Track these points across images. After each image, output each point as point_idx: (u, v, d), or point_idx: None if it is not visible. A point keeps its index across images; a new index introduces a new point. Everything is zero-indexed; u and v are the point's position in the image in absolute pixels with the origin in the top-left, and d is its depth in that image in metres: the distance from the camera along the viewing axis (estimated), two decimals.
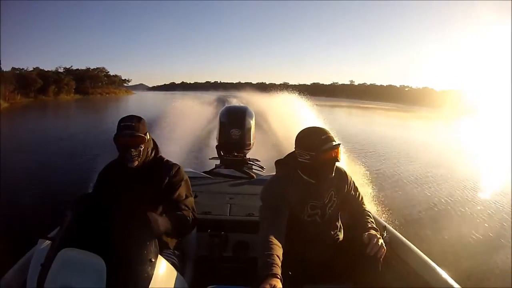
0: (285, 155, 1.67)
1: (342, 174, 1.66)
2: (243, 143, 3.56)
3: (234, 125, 3.56)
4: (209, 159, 3.96)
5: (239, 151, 3.58)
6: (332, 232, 1.64)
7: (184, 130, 7.68)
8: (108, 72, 54.60)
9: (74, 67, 49.58)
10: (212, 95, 26.39)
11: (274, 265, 1.21)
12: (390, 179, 6.46)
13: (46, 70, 43.95)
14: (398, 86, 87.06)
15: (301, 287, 1.54)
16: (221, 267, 2.00)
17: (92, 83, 49.58)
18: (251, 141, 3.64)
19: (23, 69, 40.81)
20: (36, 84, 39.10)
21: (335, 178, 1.59)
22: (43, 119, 20.44)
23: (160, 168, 1.66)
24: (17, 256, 1.47)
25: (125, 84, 62.53)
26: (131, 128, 1.56)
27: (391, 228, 1.88)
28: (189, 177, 1.78)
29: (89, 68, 51.69)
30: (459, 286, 1.37)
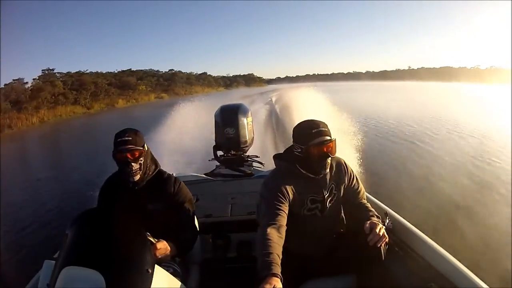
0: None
1: (342, 166, 1.63)
2: (238, 141, 3.57)
3: (227, 124, 3.57)
4: (209, 160, 3.90)
5: (237, 149, 3.62)
6: (333, 226, 1.63)
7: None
8: (255, 75, 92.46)
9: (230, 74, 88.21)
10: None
11: (273, 264, 1.21)
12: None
13: (226, 75, 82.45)
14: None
15: (303, 283, 1.53)
16: (226, 269, 2.06)
17: (251, 81, 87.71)
18: (247, 138, 3.64)
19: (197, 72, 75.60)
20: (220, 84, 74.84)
21: (334, 171, 1.60)
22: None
23: (162, 183, 1.67)
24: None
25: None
26: (129, 143, 1.55)
27: (393, 212, 1.80)
28: (190, 181, 1.80)
29: (245, 74, 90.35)
30: (465, 269, 1.31)
